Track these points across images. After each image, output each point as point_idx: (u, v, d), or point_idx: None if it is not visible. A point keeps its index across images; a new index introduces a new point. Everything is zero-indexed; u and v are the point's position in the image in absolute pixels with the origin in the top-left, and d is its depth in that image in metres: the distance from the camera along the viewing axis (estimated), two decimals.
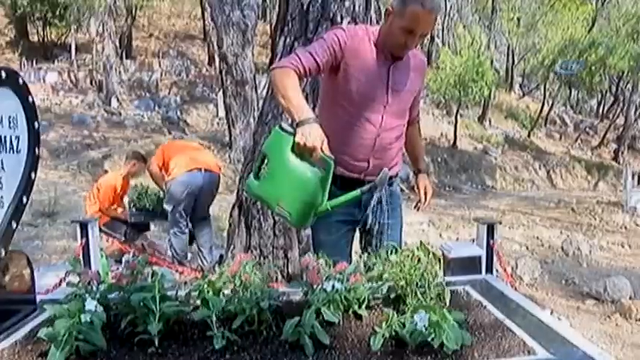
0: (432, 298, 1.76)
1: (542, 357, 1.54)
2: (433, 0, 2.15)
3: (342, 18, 4.03)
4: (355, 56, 2.26)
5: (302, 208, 1.95)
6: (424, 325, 1.55)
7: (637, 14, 20.18)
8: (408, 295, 1.77)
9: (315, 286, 1.71)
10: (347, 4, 4.04)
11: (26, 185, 2.01)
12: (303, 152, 1.90)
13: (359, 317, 1.78)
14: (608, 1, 23.80)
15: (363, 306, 1.80)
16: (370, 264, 1.94)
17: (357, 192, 2.04)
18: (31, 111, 2.03)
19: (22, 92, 1.98)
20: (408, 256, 1.86)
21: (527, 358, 1.54)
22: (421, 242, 1.97)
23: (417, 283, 1.77)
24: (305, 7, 4.13)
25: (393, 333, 1.61)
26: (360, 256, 2.06)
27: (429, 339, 1.53)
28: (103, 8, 19.19)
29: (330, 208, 2.00)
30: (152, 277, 1.75)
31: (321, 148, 1.90)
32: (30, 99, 2.02)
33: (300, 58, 2.15)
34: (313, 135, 1.90)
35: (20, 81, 1.97)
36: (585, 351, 1.55)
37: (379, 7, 4.27)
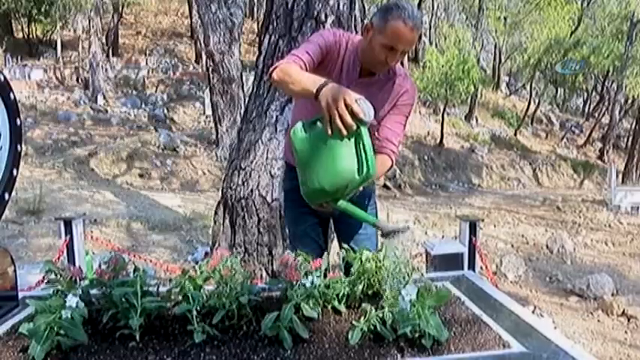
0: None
1: (517, 350, 1.57)
2: (415, 17, 2.09)
3: (326, 16, 4.05)
4: (329, 61, 2.26)
5: (321, 191, 1.91)
6: (410, 300, 1.58)
7: (621, 14, 20.37)
8: (385, 291, 1.80)
9: (294, 282, 1.73)
10: (331, 2, 4.06)
11: (8, 182, 2.02)
12: (335, 123, 1.77)
13: (338, 312, 1.80)
14: (594, 1, 23.99)
15: (342, 301, 1.83)
16: (348, 260, 1.96)
17: (369, 218, 2.04)
18: (12, 108, 2.03)
19: (4, 89, 1.99)
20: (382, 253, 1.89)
21: (502, 352, 1.57)
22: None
23: (392, 278, 1.79)
24: (289, 5, 4.15)
25: (372, 327, 1.63)
26: (342, 251, 2.07)
27: (411, 325, 1.56)
28: (90, 5, 19.08)
29: (340, 209, 1.98)
30: (134, 273, 1.77)
31: (353, 109, 1.76)
32: (12, 96, 2.02)
33: (298, 55, 2.12)
34: (333, 92, 1.80)
35: (1, 78, 1.98)
36: (558, 344, 1.58)
37: (363, 6, 4.29)
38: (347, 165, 1.82)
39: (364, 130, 1.79)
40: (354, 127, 1.76)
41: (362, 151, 1.80)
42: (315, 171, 1.87)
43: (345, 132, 1.77)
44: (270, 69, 2.09)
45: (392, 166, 2.38)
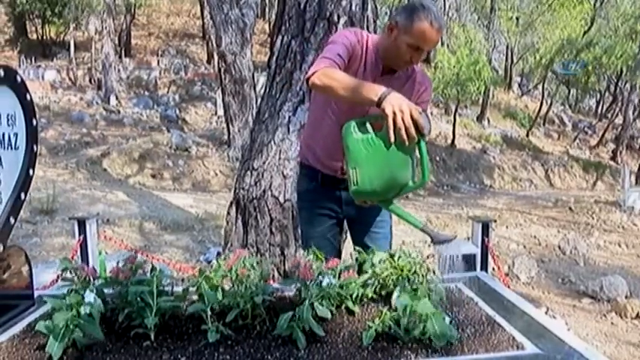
0: (424, 295, 1.79)
1: (531, 352, 1.56)
2: (440, 18, 2.15)
3: (338, 17, 4.05)
4: (354, 61, 2.27)
5: (371, 192, 1.97)
6: (404, 308, 1.59)
7: (635, 14, 20.20)
8: (400, 292, 1.80)
9: (308, 282, 1.73)
10: (344, 3, 4.06)
11: (24, 181, 2.03)
12: (399, 133, 1.81)
13: (351, 313, 1.80)
14: (607, 1, 23.81)
15: (356, 302, 1.83)
16: (362, 260, 1.96)
17: (419, 223, 2.03)
18: (29, 108, 2.05)
19: (20, 90, 2.00)
20: (396, 254, 1.89)
21: (515, 353, 1.56)
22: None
23: (408, 279, 1.80)
24: (302, 6, 4.16)
25: (386, 328, 1.63)
26: (356, 251, 2.07)
27: (415, 330, 1.56)
28: (102, 6, 19.20)
29: (390, 211, 2.06)
30: (151, 273, 1.78)
31: (419, 123, 1.81)
32: (28, 96, 2.04)
33: (331, 59, 2.13)
34: (400, 103, 1.82)
35: (18, 79, 1.99)
36: (572, 346, 1.58)
37: (376, 7, 4.29)
38: (404, 172, 1.92)
39: (424, 143, 1.87)
40: (416, 140, 1.84)
41: (421, 161, 1.88)
42: (370, 173, 1.92)
43: (407, 143, 1.83)
44: (308, 74, 2.09)
45: None
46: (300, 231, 2.79)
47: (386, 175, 1.91)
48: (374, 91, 1.91)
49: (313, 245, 2.07)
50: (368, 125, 1.97)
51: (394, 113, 1.81)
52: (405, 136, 1.81)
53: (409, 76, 2.39)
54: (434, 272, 1.92)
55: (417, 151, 1.91)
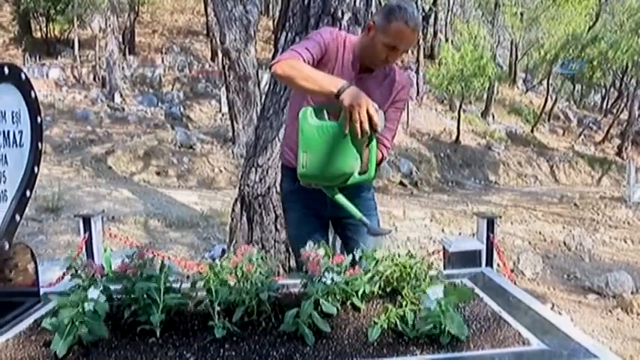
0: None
1: (537, 348, 1.56)
2: (416, 18, 2.18)
3: (342, 13, 4.04)
4: (328, 59, 2.29)
5: (318, 176, 2.03)
6: (436, 299, 1.58)
7: None
8: (404, 288, 1.80)
9: (314, 278, 1.73)
10: None
11: (29, 179, 2.04)
12: (354, 126, 1.88)
13: (357, 309, 1.80)
14: None
15: (361, 298, 1.83)
16: (365, 258, 1.96)
17: (358, 213, 2.10)
18: (33, 106, 2.05)
19: (25, 87, 2.01)
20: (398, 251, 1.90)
21: (521, 349, 1.56)
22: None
23: (411, 275, 1.80)
24: (306, 2, 4.14)
25: (391, 325, 1.63)
26: (360, 249, 2.07)
27: (433, 323, 1.56)
28: (106, 4, 19.24)
29: (334, 199, 2.10)
30: (160, 269, 1.78)
31: (373, 119, 1.87)
32: (32, 94, 2.04)
33: (298, 52, 2.16)
34: (359, 98, 1.88)
35: (23, 76, 2.00)
36: (579, 342, 1.57)
37: (380, 3, 4.28)
38: (351, 163, 1.98)
39: (375, 139, 1.97)
40: (369, 134, 1.92)
41: (369, 156, 1.99)
42: (319, 158, 1.99)
43: (359, 136, 1.90)
44: (272, 62, 2.14)
45: (382, 159, 2.44)
46: (286, 233, 2.77)
47: (334, 163, 1.98)
48: (333, 83, 1.96)
49: (302, 245, 2.07)
50: (325, 113, 2.06)
51: (352, 106, 1.87)
52: (358, 129, 1.87)
53: (387, 75, 2.42)
54: (436, 269, 1.93)
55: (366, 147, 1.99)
